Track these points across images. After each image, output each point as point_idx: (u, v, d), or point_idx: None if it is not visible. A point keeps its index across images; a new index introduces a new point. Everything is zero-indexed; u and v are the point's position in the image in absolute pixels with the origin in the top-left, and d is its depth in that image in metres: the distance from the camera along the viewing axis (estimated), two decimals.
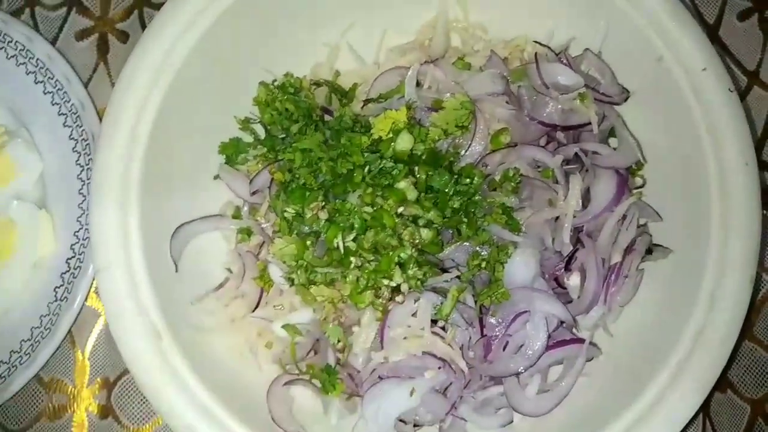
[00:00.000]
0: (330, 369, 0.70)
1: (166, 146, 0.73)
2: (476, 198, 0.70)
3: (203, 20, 0.74)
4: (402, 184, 0.68)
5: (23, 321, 0.80)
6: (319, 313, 0.72)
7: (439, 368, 0.69)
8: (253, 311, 0.76)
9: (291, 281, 0.69)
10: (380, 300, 0.68)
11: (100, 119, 0.82)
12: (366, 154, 0.69)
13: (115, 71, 0.89)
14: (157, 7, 0.90)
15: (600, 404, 0.72)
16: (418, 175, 0.69)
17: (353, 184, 0.69)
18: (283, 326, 0.73)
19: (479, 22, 0.83)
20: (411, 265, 0.67)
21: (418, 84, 0.77)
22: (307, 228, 0.70)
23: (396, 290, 0.68)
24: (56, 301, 0.79)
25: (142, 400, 0.83)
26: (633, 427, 0.67)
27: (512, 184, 0.71)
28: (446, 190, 0.69)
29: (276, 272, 0.73)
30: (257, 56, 0.80)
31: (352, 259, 0.67)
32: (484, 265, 0.69)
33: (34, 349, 0.79)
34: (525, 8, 0.80)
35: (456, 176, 0.71)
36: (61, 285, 0.79)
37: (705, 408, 0.81)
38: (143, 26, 0.90)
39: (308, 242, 0.70)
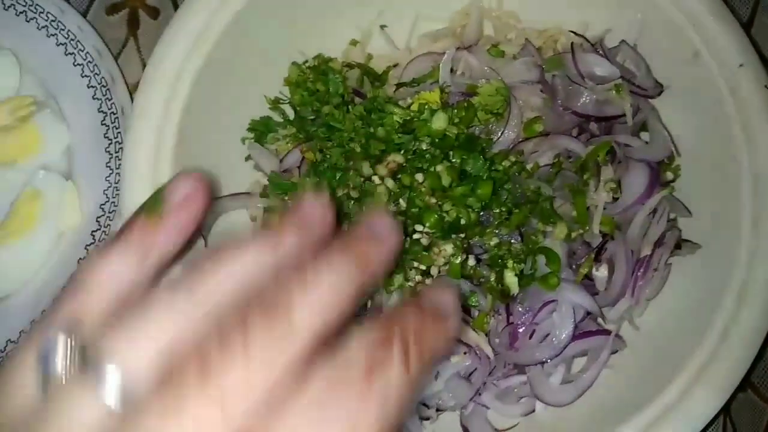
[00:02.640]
0: None
1: (197, 124, 0.73)
2: (508, 185, 0.70)
3: (236, 1, 0.73)
4: (439, 168, 0.67)
5: (44, 292, 0.80)
6: None
7: (465, 353, 0.69)
8: None
9: None
10: (409, 283, 0.68)
11: (131, 94, 0.82)
12: (399, 135, 0.69)
13: (144, 47, 0.88)
14: None
15: (622, 398, 0.72)
16: (453, 160, 0.69)
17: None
18: None
19: (512, 11, 0.83)
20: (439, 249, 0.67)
21: (452, 70, 0.77)
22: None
23: (425, 274, 0.68)
24: None
25: None
26: (655, 423, 0.66)
27: (554, 172, 0.70)
28: (480, 175, 0.69)
29: None
30: (289, 37, 0.80)
31: None
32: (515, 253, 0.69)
33: None
34: None
35: (489, 161, 0.70)
36: (86, 257, 0.79)
37: (727, 408, 0.80)
38: (174, 3, 0.89)
39: None
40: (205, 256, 0.36)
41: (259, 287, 0.35)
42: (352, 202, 0.69)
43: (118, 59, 0.88)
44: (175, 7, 0.89)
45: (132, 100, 0.82)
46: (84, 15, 0.88)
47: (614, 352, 0.74)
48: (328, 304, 0.35)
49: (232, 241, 0.37)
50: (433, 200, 0.67)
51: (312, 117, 0.77)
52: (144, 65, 0.87)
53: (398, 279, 0.67)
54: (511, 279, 0.69)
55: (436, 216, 0.67)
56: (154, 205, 0.40)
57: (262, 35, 0.77)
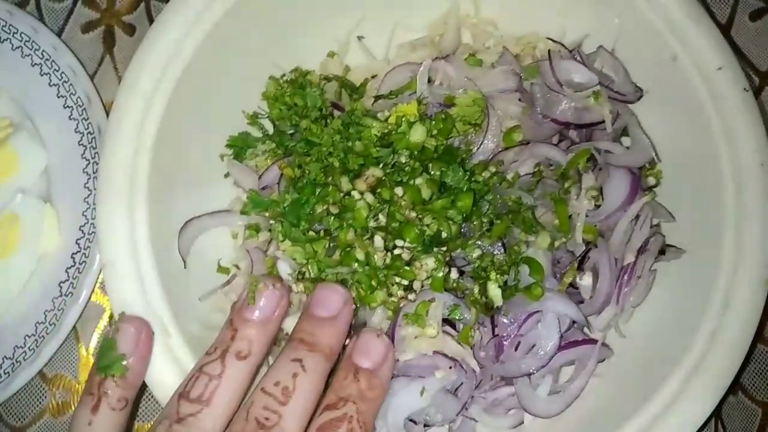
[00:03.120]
0: None
1: (174, 141, 0.72)
2: (488, 196, 0.70)
3: (211, 14, 0.72)
4: (419, 181, 0.67)
5: (27, 316, 0.79)
6: None
7: (450, 368, 0.68)
8: None
9: (301, 275, 0.69)
10: (392, 299, 0.68)
11: (107, 112, 0.81)
12: (378, 149, 0.69)
13: (121, 64, 0.88)
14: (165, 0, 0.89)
15: (611, 406, 0.71)
16: (432, 172, 0.68)
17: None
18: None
19: (490, 19, 0.82)
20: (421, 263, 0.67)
21: (430, 80, 0.76)
22: (317, 226, 0.69)
23: (408, 288, 0.68)
24: (61, 296, 0.78)
25: (147, 396, 0.82)
26: (648, 427, 0.66)
27: (535, 181, 0.70)
28: (460, 186, 0.68)
29: (284, 269, 0.72)
30: (266, 50, 0.79)
31: (359, 257, 0.67)
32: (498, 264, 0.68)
33: (38, 344, 0.77)
34: (537, 5, 0.80)
35: (468, 173, 0.70)
36: (66, 280, 0.78)
37: (717, 411, 0.80)
38: (150, 19, 0.89)
39: (319, 245, 0.69)
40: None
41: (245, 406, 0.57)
42: (332, 217, 0.69)
43: (94, 77, 0.87)
44: (151, 23, 0.88)
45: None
46: (59, 34, 0.88)
47: (601, 360, 0.73)
48: (308, 401, 0.56)
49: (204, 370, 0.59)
50: (413, 214, 0.66)
51: (291, 131, 0.77)
52: (119, 81, 0.87)
53: (381, 295, 0.67)
54: (494, 291, 0.68)
55: (416, 230, 0.66)
56: (111, 364, 0.60)
57: (238, 49, 0.76)
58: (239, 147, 0.78)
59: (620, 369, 0.73)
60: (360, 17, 0.82)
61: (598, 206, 0.72)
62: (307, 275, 0.69)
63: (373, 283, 0.66)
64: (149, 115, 0.71)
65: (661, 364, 0.69)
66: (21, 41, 0.82)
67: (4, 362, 0.78)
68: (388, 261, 0.66)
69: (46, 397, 0.83)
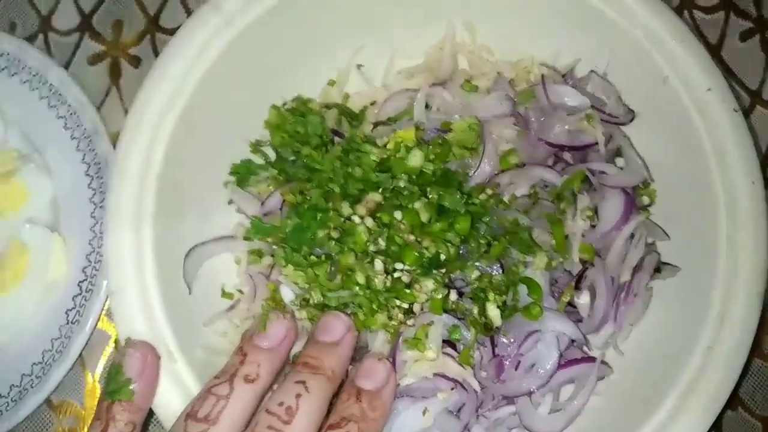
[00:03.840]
0: None
1: (179, 170, 0.74)
2: (486, 218, 0.71)
3: (215, 47, 0.74)
4: (417, 204, 0.68)
5: (35, 344, 0.81)
6: None
7: (452, 389, 0.69)
8: None
9: (305, 302, 0.70)
10: (393, 322, 0.69)
11: (113, 143, 0.84)
12: (377, 174, 0.70)
13: (127, 95, 0.90)
14: (169, 32, 0.92)
15: (612, 423, 0.72)
16: (430, 196, 0.70)
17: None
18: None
19: (486, 45, 0.84)
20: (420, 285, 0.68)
21: (427, 106, 0.78)
22: (318, 250, 0.71)
23: (408, 312, 0.69)
24: (68, 324, 0.80)
25: (155, 421, 0.83)
26: None
27: (531, 202, 0.71)
28: (458, 209, 0.70)
29: (287, 294, 0.74)
30: (268, 80, 0.81)
31: (360, 281, 0.68)
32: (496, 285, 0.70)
33: (45, 372, 0.79)
34: (531, 30, 0.82)
35: (466, 196, 0.71)
36: (73, 308, 0.80)
37: (716, 426, 0.80)
38: (155, 51, 0.91)
39: (320, 269, 0.70)
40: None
41: (249, 427, 0.59)
42: (333, 242, 0.70)
43: (101, 108, 0.89)
44: (156, 55, 0.91)
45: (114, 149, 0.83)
46: (66, 66, 0.90)
47: (601, 378, 0.74)
48: (311, 422, 0.58)
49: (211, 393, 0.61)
50: (412, 237, 0.68)
51: (292, 159, 0.79)
52: (126, 113, 0.89)
53: (381, 318, 0.68)
54: (493, 311, 0.69)
55: (415, 253, 0.68)
56: (119, 388, 0.62)
57: (240, 80, 0.78)
58: (242, 174, 0.79)
59: (619, 387, 0.74)
60: (359, 46, 0.84)
61: (593, 226, 0.74)
62: (310, 301, 0.71)
63: (374, 306, 0.67)
64: (155, 146, 0.73)
65: (659, 381, 0.70)
66: (30, 75, 0.85)
67: (11, 390, 0.80)
68: (388, 284, 0.68)
69: (53, 424, 0.84)
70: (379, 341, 0.70)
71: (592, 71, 0.78)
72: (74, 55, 0.91)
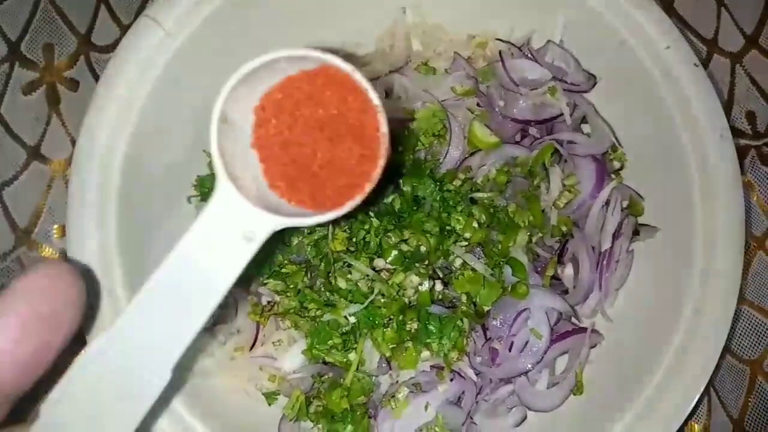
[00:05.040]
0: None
1: (139, 194, 0.71)
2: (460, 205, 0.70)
3: (161, 58, 0.71)
4: (390, 197, 0.67)
5: None
6: None
7: (451, 380, 0.68)
8: (251, 348, 0.74)
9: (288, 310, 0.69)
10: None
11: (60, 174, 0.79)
12: None
13: (69, 121, 0.85)
14: (103, 50, 0.87)
15: (610, 389, 0.72)
16: (404, 188, 0.68)
17: None
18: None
19: (438, 24, 0.82)
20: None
21: (387, 95, 0.76)
22: (296, 257, 0.69)
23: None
24: None
25: None
26: (648, 407, 0.67)
27: (503, 181, 0.70)
28: (432, 197, 0.68)
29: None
30: (218, 86, 0.77)
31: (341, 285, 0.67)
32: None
33: None
34: (482, 5, 0.80)
35: (438, 183, 0.70)
36: None
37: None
38: (92, 71, 0.86)
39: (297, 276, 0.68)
40: None
41: None
42: (309, 247, 0.69)
43: (43, 137, 0.84)
44: (94, 75, 0.86)
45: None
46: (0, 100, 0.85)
47: (593, 346, 0.74)
48: None
49: None
50: (392, 237, 0.66)
51: None
52: (71, 139, 0.84)
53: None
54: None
55: (395, 251, 0.66)
56: None
57: (191, 90, 0.74)
58: (207, 189, 0.76)
59: (613, 353, 0.74)
60: (308, 40, 0.81)
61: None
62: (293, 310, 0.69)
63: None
64: (109, 170, 0.69)
65: (652, 342, 0.70)
66: None
67: None
68: (370, 284, 0.67)
69: None
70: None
71: (549, 41, 0.76)
72: (6, 86, 0.85)
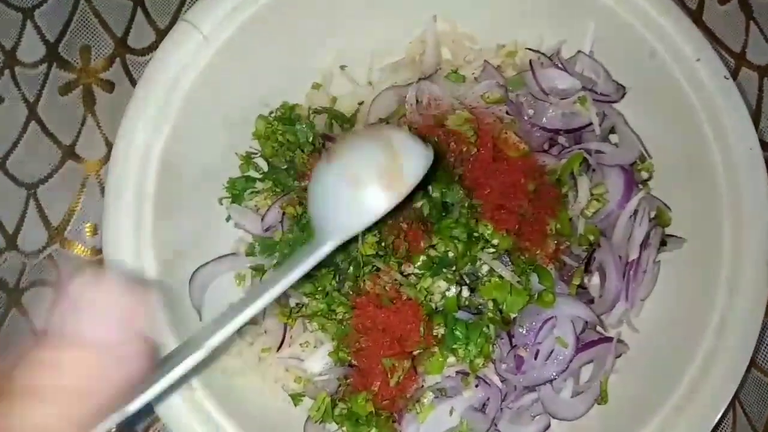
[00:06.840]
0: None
1: (172, 193, 0.72)
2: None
3: (198, 62, 0.72)
4: (419, 203, 0.68)
5: None
6: None
7: (476, 386, 0.69)
8: (278, 349, 0.75)
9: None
10: None
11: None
12: None
13: (104, 122, 0.87)
14: (139, 52, 0.89)
15: (635, 400, 0.73)
16: (433, 194, 0.69)
17: None
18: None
19: (468, 33, 0.83)
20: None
21: (418, 102, 0.77)
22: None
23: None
24: None
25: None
26: (672, 418, 0.68)
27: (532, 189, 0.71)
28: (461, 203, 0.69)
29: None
30: (253, 90, 0.79)
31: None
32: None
33: None
34: (512, 14, 0.81)
35: (467, 189, 0.71)
36: None
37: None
38: (128, 73, 0.88)
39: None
40: None
41: None
42: (338, 250, 0.69)
43: (78, 138, 0.86)
44: (130, 77, 0.88)
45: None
46: (37, 99, 0.86)
47: (618, 356, 0.74)
48: None
49: None
50: (421, 242, 0.67)
51: (285, 167, 0.77)
52: (105, 140, 0.86)
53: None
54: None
55: (423, 256, 0.67)
56: None
57: (226, 94, 0.76)
58: (238, 190, 0.77)
59: (638, 363, 0.75)
60: (341, 47, 0.82)
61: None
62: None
63: None
64: (146, 171, 0.70)
65: (678, 353, 0.70)
66: None
67: None
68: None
69: None
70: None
71: (579, 51, 0.77)
72: (44, 86, 0.87)
